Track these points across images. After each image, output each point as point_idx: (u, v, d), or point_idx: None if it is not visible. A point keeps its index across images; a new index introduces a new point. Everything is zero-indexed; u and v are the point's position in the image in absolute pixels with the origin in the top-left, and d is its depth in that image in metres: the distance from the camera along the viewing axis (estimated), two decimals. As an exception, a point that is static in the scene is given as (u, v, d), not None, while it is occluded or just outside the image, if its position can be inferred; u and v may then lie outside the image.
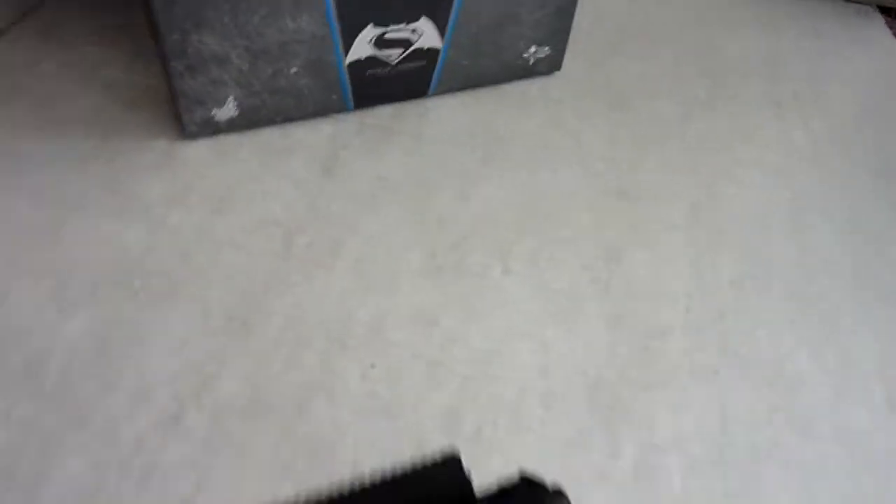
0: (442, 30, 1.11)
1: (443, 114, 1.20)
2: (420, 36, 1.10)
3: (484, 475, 0.36)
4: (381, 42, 1.09)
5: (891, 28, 1.59)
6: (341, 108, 1.16)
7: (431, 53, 1.14)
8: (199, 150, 1.08)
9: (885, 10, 1.64)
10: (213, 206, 1.00)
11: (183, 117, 1.05)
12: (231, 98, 1.05)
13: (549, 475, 0.75)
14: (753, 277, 0.98)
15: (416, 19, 1.08)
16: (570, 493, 0.75)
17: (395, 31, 1.08)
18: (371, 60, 1.10)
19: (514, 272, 0.96)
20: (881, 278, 1.00)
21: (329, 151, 1.10)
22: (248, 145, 1.10)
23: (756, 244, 1.03)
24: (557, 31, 1.23)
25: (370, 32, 1.07)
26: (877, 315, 0.95)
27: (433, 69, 1.17)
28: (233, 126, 1.10)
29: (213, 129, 1.08)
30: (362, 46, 1.08)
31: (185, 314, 0.88)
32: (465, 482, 0.39)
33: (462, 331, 0.88)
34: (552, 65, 1.28)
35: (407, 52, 1.12)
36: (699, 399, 0.83)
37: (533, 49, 1.23)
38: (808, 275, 0.99)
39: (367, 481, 0.37)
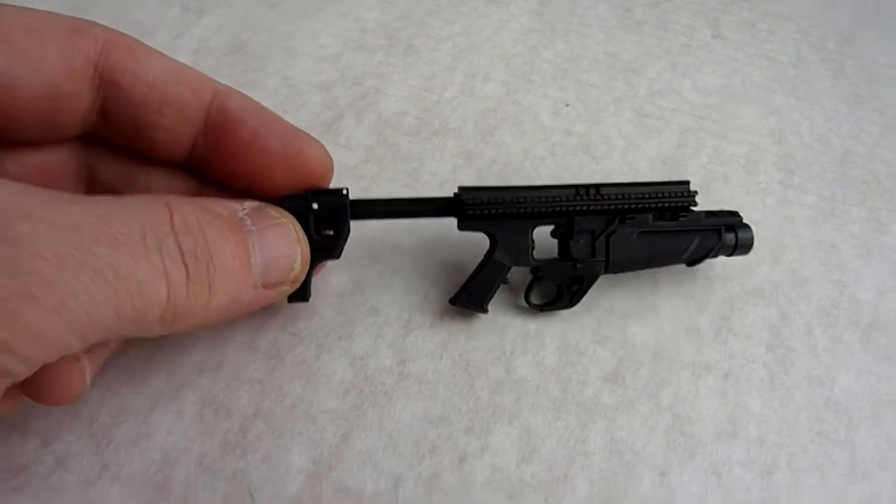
0: None
1: None
2: None
3: None
4: None
5: None
6: None
7: None
8: None
9: None
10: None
11: None
12: None
13: (797, 239, 0.55)
14: None
15: None
16: (831, 262, 0.56)
17: None
18: None
19: (727, 38, 0.78)
20: None
21: None
22: None
23: None
24: None
25: None
26: None
27: None
28: None
29: None
30: None
31: (337, 28, 0.72)
32: None
33: (672, 83, 0.71)
34: None
35: None
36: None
37: None
38: None
39: None
